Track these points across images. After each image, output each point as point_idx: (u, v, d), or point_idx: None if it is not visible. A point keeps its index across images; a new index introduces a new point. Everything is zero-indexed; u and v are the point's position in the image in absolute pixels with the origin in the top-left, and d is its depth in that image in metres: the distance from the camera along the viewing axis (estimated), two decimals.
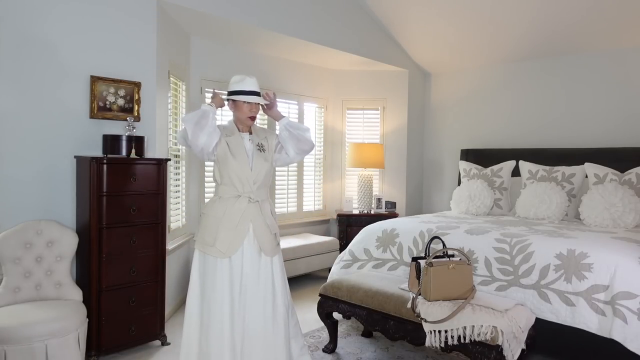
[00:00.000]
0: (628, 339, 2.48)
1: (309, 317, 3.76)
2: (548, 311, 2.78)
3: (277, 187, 5.18)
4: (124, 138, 3.05)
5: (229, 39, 4.49)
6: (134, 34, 3.34)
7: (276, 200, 5.18)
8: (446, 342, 2.51)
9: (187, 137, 2.30)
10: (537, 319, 2.77)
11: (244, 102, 2.42)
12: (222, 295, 2.33)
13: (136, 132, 3.14)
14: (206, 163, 4.46)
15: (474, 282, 2.80)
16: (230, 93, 2.44)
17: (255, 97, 2.42)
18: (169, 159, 3.35)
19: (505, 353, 2.37)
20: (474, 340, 2.43)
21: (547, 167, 4.41)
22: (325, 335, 3.39)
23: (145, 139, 3.20)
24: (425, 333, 2.55)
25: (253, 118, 2.47)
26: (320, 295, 3.24)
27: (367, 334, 3.45)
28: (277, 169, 4.36)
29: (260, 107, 2.52)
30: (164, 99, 3.66)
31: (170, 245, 3.59)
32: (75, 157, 3.09)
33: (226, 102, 2.50)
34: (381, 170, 5.76)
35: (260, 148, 2.48)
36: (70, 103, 3.13)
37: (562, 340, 2.84)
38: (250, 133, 2.51)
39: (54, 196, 3.08)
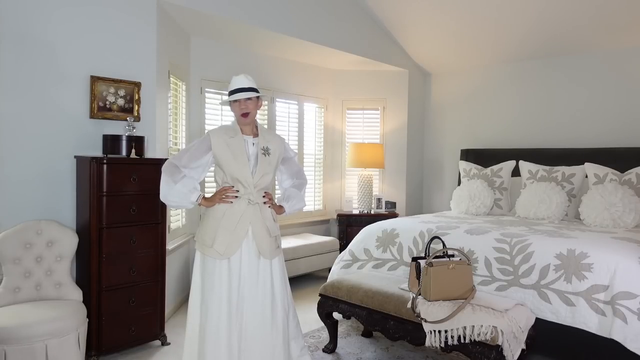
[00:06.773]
0: (628, 339, 2.48)
1: (309, 317, 3.75)
2: (548, 311, 2.78)
3: (277, 187, 5.17)
4: (124, 138, 3.05)
5: (229, 39, 4.49)
6: (134, 34, 3.35)
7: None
8: (446, 342, 2.50)
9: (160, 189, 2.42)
10: (537, 319, 2.77)
11: (233, 101, 2.41)
12: (220, 297, 2.32)
13: (136, 132, 3.14)
14: None
15: (474, 282, 2.80)
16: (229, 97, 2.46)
17: (242, 93, 2.38)
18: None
19: (505, 353, 2.37)
20: (474, 340, 2.42)
21: (547, 167, 4.41)
22: (325, 335, 3.39)
23: (145, 139, 3.20)
24: (425, 333, 2.55)
25: (245, 115, 2.40)
26: (320, 295, 3.24)
27: (367, 334, 3.44)
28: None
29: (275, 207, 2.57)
30: (164, 99, 3.66)
31: (170, 245, 3.59)
32: (75, 157, 3.09)
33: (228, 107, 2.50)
34: (381, 170, 5.76)
35: (265, 152, 2.45)
36: (70, 103, 3.13)
37: (562, 340, 2.84)
38: (255, 136, 2.49)
39: (54, 196, 3.08)
